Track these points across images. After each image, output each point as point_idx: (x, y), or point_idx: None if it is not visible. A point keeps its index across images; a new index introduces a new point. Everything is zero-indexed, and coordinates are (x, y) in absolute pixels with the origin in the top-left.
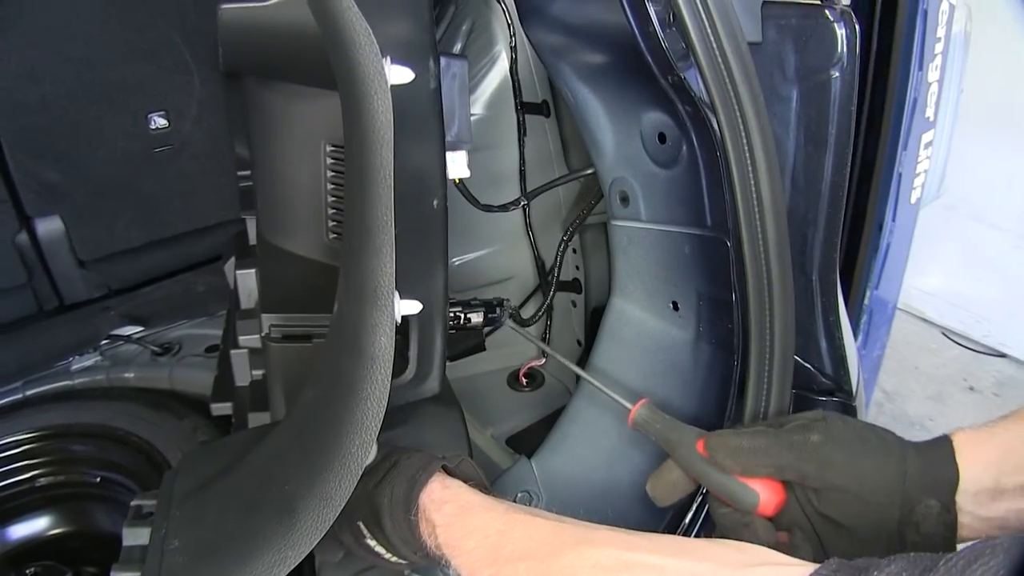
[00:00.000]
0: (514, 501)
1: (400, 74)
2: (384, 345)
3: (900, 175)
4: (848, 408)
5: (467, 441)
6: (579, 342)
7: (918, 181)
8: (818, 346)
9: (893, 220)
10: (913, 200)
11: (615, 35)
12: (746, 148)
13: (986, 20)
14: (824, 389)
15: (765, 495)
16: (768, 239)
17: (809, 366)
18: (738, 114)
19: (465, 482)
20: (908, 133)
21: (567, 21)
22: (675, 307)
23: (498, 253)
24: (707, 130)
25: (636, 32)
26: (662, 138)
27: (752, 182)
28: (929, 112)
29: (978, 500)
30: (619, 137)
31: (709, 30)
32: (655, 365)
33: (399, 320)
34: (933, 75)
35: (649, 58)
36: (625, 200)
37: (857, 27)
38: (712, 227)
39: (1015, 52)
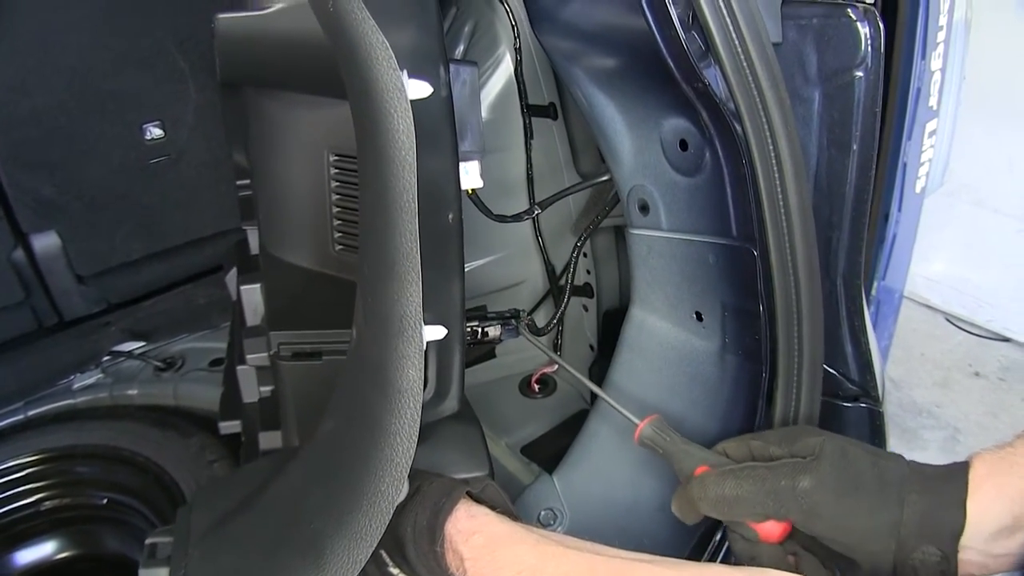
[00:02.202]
0: (538, 519)
1: (418, 88)
2: (413, 377)
3: (905, 165)
4: (875, 414)
5: (488, 461)
6: (592, 347)
7: (923, 171)
8: (844, 352)
9: (899, 211)
10: (918, 190)
11: (633, 39)
12: (772, 154)
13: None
14: (850, 395)
15: (764, 529)
16: (796, 248)
17: (835, 372)
18: (764, 119)
19: (491, 508)
20: (912, 123)
21: (581, 25)
22: (699, 317)
23: (508, 259)
24: (731, 136)
25: (657, 36)
26: (683, 145)
27: (779, 189)
28: (932, 101)
29: (993, 538)
30: (638, 144)
31: (733, 31)
32: (678, 377)
33: (425, 348)
34: (936, 63)
35: (671, 63)
36: (645, 209)
37: (881, 26)
38: (738, 236)
39: (1015, 37)
